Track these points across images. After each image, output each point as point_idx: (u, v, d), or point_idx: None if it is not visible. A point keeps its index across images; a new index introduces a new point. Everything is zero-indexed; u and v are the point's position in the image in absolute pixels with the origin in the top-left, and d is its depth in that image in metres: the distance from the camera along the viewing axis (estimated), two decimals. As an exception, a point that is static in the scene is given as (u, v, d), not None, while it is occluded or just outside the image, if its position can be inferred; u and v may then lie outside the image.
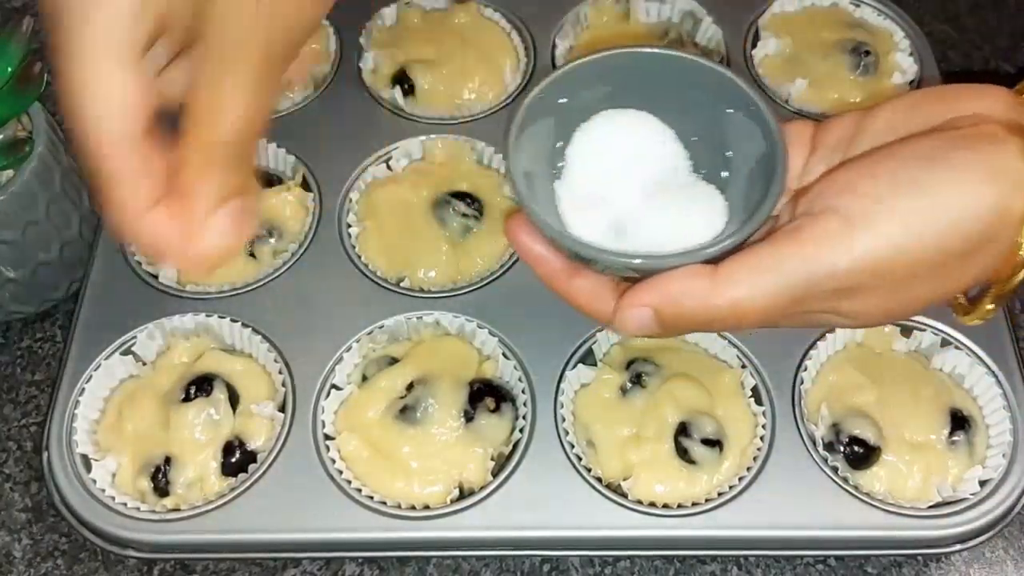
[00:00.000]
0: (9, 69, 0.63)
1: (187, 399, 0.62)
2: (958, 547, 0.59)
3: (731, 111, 0.46)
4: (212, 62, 0.40)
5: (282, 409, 0.63)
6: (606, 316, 0.45)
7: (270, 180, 0.73)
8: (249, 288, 0.68)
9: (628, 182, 0.46)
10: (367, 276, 0.68)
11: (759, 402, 0.62)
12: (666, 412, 0.61)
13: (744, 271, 0.41)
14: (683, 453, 0.60)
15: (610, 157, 0.47)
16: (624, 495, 0.59)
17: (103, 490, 0.60)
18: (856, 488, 0.59)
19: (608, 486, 0.60)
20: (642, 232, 0.45)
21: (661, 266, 0.42)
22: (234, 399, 0.63)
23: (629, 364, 0.63)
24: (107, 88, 0.40)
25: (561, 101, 0.47)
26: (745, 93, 0.46)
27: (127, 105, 0.40)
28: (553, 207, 0.46)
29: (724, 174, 0.47)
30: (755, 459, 0.60)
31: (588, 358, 0.65)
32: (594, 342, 0.65)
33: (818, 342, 0.64)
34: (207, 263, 0.43)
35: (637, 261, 0.42)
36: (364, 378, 0.64)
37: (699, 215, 0.45)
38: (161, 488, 0.60)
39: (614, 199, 0.46)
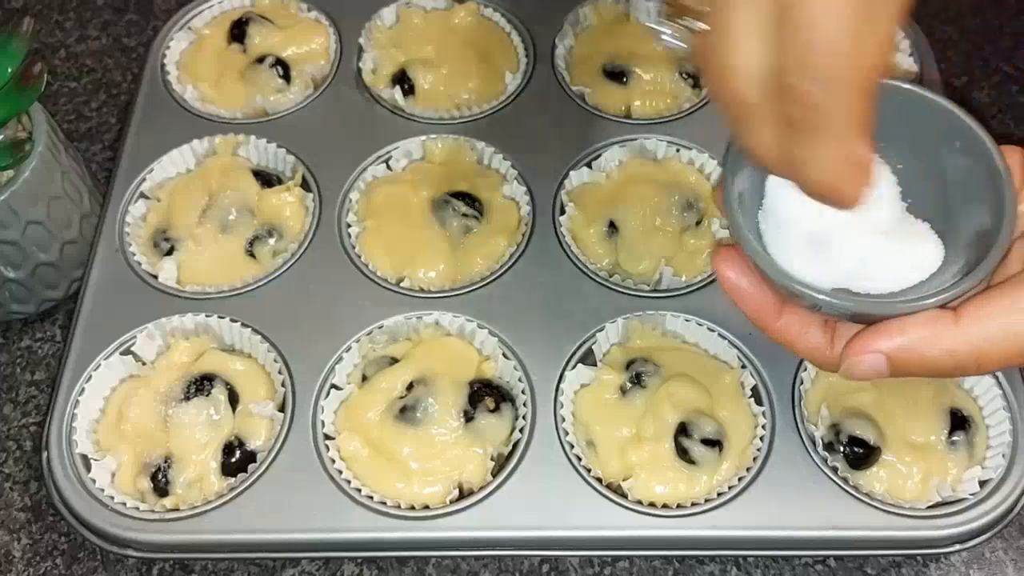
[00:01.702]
0: (9, 69, 0.63)
1: (187, 399, 0.62)
2: (958, 547, 0.59)
3: (948, 144, 0.45)
4: None
5: (282, 409, 0.63)
6: (819, 355, 0.44)
7: (270, 180, 0.73)
8: (249, 288, 0.68)
9: (835, 215, 0.43)
10: (367, 276, 0.68)
11: (759, 402, 0.62)
12: (666, 412, 0.61)
13: (992, 316, 0.40)
14: (683, 453, 0.60)
15: None
16: (624, 495, 0.59)
17: (102, 490, 0.60)
18: (856, 488, 0.59)
19: (608, 486, 0.60)
20: (850, 267, 0.43)
21: (893, 311, 0.41)
22: (234, 399, 0.63)
23: (629, 364, 0.63)
24: None
25: None
26: (966, 126, 0.44)
27: None
28: (757, 236, 0.44)
29: (939, 210, 0.45)
30: (755, 459, 0.60)
31: (588, 358, 0.65)
32: (594, 342, 0.65)
33: (818, 342, 0.64)
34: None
35: (872, 308, 0.41)
36: (364, 378, 0.64)
37: (913, 252, 0.44)
38: (161, 488, 0.60)
39: (820, 232, 0.43)
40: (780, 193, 0.44)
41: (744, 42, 0.38)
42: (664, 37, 0.54)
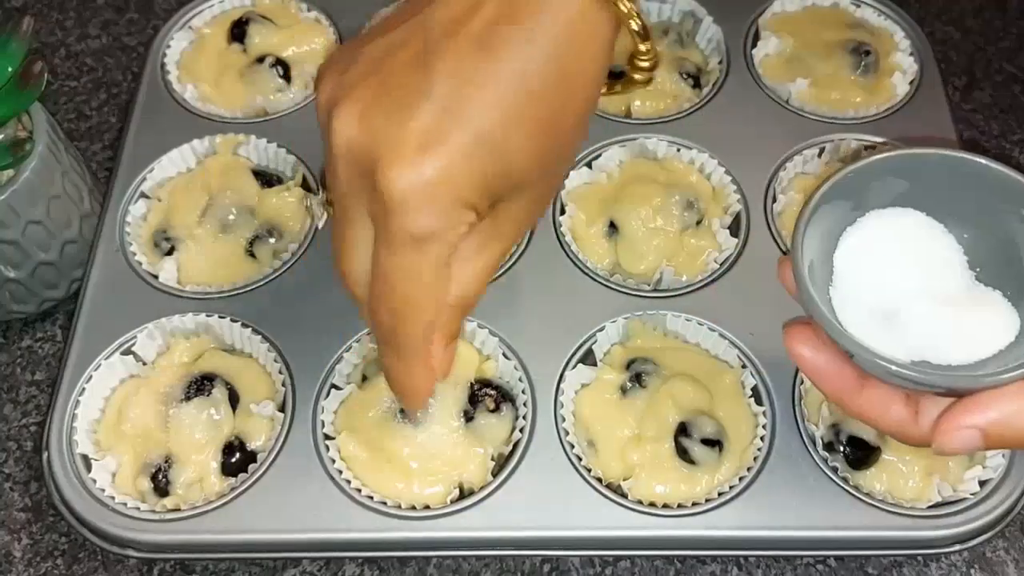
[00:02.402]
0: (10, 69, 0.63)
1: (187, 399, 0.62)
2: (958, 547, 0.59)
3: (1014, 211, 0.44)
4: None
5: (282, 409, 0.62)
6: (905, 430, 0.44)
7: (270, 180, 0.73)
8: (249, 288, 0.68)
9: (906, 286, 0.44)
10: (367, 276, 0.68)
11: (759, 402, 0.62)
12: (666, 412, 0.61)
13: None
14: (683, 453, 0.60)
15: (887, 259, 0.45)
16: (624, 495, 0.59)
17: (103, 490, 0.60)
18: (856, 488, 0.59)
19: (608, 486, 0.60)
20: (921, 339, 0.43)
21: (982, 385, 0.41)
22: (234, 399, 0.63)
23: (629, 364, 0.63)
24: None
25: (841, 201, 0.45)
26: None
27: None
28: (829, 307, 0.44)
29: (1011, 277, 0.45)
30: (755, 459, 0.60)
31: (588, 358, 0.65)
32: (594, 342, 0.65)
33: (818, 342, 0.64)
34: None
35: (962, 382, 0.41)
36: (364, 378, 0.64)
37: (986, 321, 0.44)
38: (161, 488, 0.60)
39: (891, 304, 0.43)
40: (850, 265, 0.44)
41: (348, 255, 0.46)
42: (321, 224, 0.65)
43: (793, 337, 0.45)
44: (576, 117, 0.44)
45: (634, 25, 0.44)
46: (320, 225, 0.65)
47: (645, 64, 0.47)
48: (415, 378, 0.48)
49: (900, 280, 0.44)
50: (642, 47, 0.46)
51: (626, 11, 0.43)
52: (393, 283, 0.43)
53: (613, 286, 0.67)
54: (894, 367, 0.41)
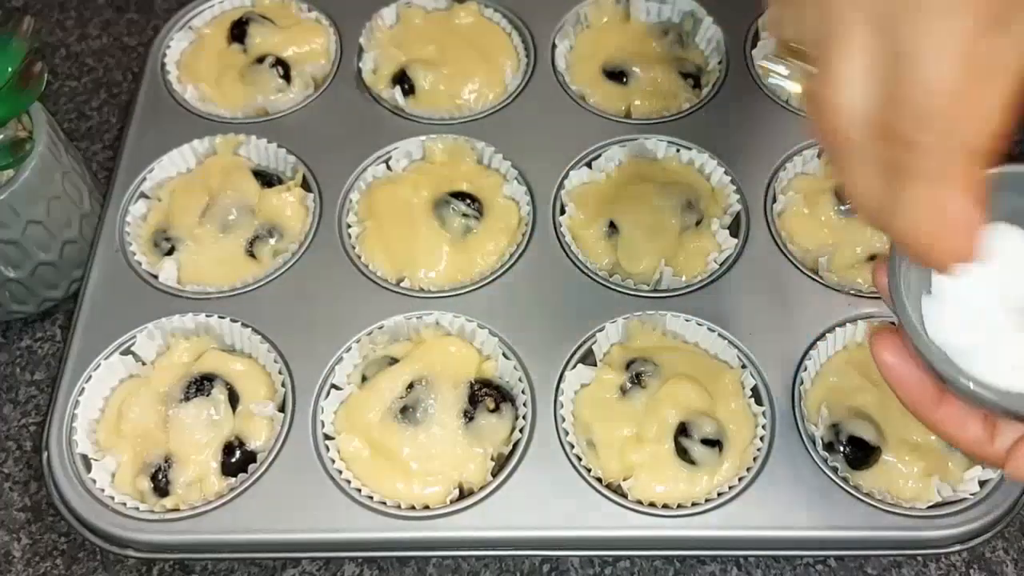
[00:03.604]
0: (10, 68, 0.63)
1: (187, 399, 0.62)
2: (958, 547, 0.59)
3: None
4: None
5: (282, 409, 0.63)
6: (979, 449, 0.43)
7: (270, 180, 0.73)
8: (249, 288, 0.68)
9: (1001, 306, 0.42)
10: (367, 276, 0.68)
11: (759, 402, 0.62)
12: (666, 412, 0.61)
13: None
14: (683, 453, 0.60)
15: (985, 276, 0.42)
16: (624, 495, 0.59)
17: (103, 490, 0.60)
18: (856, 488, 0.59)
19: (608, 486, 0.60)
20: (1010, 364, 0.42)
21: None
22: (234, 399, 0.63)
23: (629, 364, 0.63)
24: None
25: None
26: None
27: None
28: (919, 317, 0.43)
29: None
30: (755, 459, 0.60)
31: (588, 358, 0.65)
32: (594, 342, 0.65)
33: (818, 342, 0.64)
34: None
35: None
36: (364, 378, 0.64)
37: None
38: (161, 488, 0.60)
39: (984, 322, 0.42)
40: (947, 281, 0.42)
41: (850, 80, 0.37)
42: (774, 77, 0.54)
43: (879, 343, 0.44)
44: None
45: None
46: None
47: None
48: (944, 212, 0.36)
49: (995, 299, 0.43)
50: None
51: None
52: (921, 68, 0.34)
53: (613, 286, 0.67)
54: (975, 388, 0.41)
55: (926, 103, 0.35)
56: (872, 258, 0.68)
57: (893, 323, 0.44)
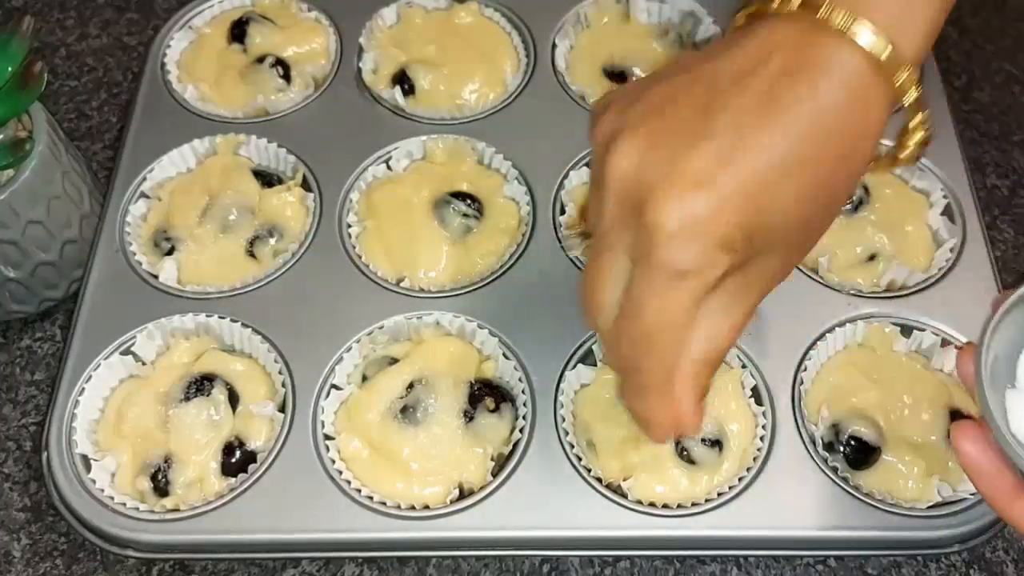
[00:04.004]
0: (10, 68, 0.63)
1: (187, 399, 0.62)
2: (958, 547, 0.59)
3: None
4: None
5: (282, 409, 0.62)
6: None
7: (270, 180, 0.73)
8: (249, 288, 0.68)
9: None
10: (367, 276, 0.68)
11: (759, 402, 0.62)
12: (666, 412, 0.61)
13: None
14: (683, 453, 0.60)
15: None
16: (624, 495, 0.59)
17: (102, 490, 0.60)
18: (856, 488, 0.59)
19: (608, 486, 0.60)
20: None
21: None
22: (234, 399, 0.63)
23: (629, 364, 0.63)
24: None
25: None
26: None
27: None
28: (1003, 413, 0.43)
29: None
30: (755, 459, 0.60)
31: (588, 358, 0.65)
32: (594, 342, 0.65)
33: (818, 342, 0.64)
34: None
35: None
36: (364, 378, 0.64)
37: None
38: (161, 488, 0.60)
39: None
40: None
41: (600, 289, 0.45)
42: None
43: (960, 433, 0.44)
44: (846, 182, 0.44)
45: (913, 95, 0.44)
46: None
47: (920, 136, 0.46)
48: (656, 414, 0.47)
49: None
50: (920, 116, 0.45)
51: (905, 78, 0.43)
52: (644, 315, 0.43)
53: (613, 286, 0.67)
54: None
55: (645, 340, 0.44)
56: (872, 258, 0.68)
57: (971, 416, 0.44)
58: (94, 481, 0.60)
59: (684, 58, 0.47)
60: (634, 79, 0.77)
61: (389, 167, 0.74)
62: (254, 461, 0.61)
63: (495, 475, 0.60)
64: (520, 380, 0.63)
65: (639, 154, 0.42)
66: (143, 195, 0.73)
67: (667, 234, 0.41)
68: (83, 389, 0.63)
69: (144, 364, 0.66)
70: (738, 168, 0.41)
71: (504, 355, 0.64)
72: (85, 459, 0.61)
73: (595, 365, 0.64)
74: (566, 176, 0.72)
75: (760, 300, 0.46)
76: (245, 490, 0.59)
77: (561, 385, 0.63)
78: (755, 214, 0.41)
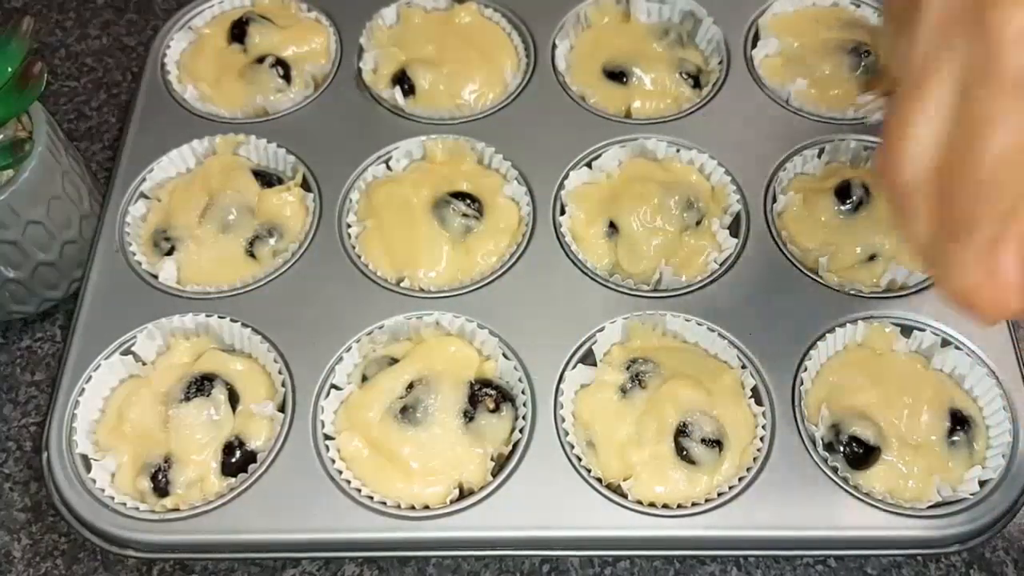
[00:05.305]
0: (9, 69, 0.63)
1: (187, 399, 0.62)
2: (958, 547, 0.59)
3: None
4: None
5: (282, 409, 0.62)
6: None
7: (270, 180, 0.73)
8: (249, 288, 0.68)
9: None
10: (367, 276, 0.68)
11: (759, 402, 0.62)
12: (666, 412, 0.61)
13: None
14: (683, 453, 0.60)
15: None
16: (624, 495, 0.59)
17: (103, 490, 0.60)
18: (856, 488, 0.59)
19: (608, 486, 0.60)
20: None
21: None
22: (234, 399, 0.63)
23: (629, 364, 0.63)
24: None
25: None
26: None
27: None
28: None
29: None
30: (755, 459, 0.60)
31: (588, 358, 0.65)
32: (594, 342, 0.65)
33: (818, 342, 0.64)
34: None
35: None
36: (364, 378, 0.64)
37: None
38: (161, 488, 0.60)
39: None
40: None
41: (919, 131, 0.38)
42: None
43: None
44: None
45: None
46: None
47: None
48: (1001, 271, 0.37)
49: None
50: None
51: None
52: (988, 143, 0.36)
53: (613, 286, 0.67)
54: None
55: (988, 177, 0.36)
56: (872, 258, 0.68)
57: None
58: (94, 481, 0.60)
59: None
60: None
61: (389, 167, 0.74)
62: (254, 461, 0.61)
63: (495, 475, 0.60)
64: (520, 380, 0.63)
65: None
66: (143, 195, 0.73)
67: (1015, 39, 0.35)
68: (83, 389, 0.63)
69: (144, 364, 0.66)
70: None
71: (504, 355, 0.64)
72: (85, 459, 0.61)
73: (595, 365, 0.64)
74: (566, 176, 0.72)
75: None
76: (245, 490, 0.59)
77: (561, 385, 0.63)
78: None
